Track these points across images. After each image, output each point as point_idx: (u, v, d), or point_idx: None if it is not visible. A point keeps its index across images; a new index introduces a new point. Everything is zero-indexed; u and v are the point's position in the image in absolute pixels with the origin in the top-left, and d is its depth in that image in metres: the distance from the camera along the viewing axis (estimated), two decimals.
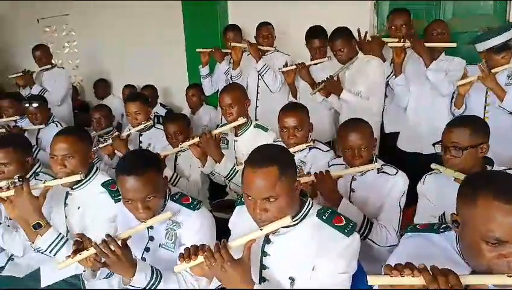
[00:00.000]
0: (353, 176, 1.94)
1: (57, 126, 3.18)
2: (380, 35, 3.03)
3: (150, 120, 2.77)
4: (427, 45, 2.56)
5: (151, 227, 1.63)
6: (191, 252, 1.29)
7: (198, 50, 3.51)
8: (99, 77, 4.90)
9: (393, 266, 1.00)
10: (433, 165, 1.79)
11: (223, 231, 1.65)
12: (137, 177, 1.46)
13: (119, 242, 1.43)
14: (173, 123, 2.57)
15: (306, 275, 1.27)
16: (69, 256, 1.44)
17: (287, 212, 1.25)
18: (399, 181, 1.83)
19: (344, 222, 1.29)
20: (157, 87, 4.23)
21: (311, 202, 1.37)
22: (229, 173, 2.31)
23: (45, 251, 1.74)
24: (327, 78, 2.73)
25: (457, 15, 3.24)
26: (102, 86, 4.74)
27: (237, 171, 2.29)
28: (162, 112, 4.13)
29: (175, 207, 1.61)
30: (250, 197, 1.25)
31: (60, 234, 1.74)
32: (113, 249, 1.38)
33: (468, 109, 2.50)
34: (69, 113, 4.15)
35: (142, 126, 2.74)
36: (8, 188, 1.77)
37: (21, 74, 3.89)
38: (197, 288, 1.55)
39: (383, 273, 1.02)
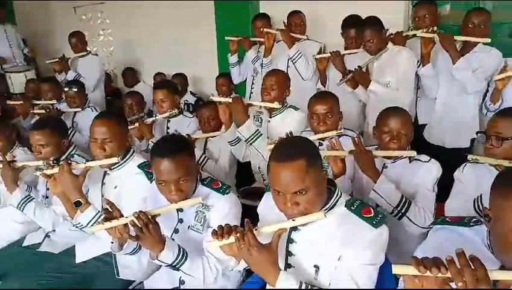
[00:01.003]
0: (384, 164, 1.93)
1: (92, 111, 3.29)
2: (402, 31, 2.95)
3: (176, 108, 2.81)
4: (457, 38, 2.46)
5: (181, 210, 1.68)
6: (224, 231, 1.31)
7: (227, 38, 3.54)
8: (131, 65, 5.02)
9: (420, 258, 0.99)
10: (470, 156, 1.76)
11: (249, 217, 1.67)
12: (172, 160, 1.50)
13: (149, 218, 1.47)
14: (207, 109, 2.64)
15: (331, 264, 1.27)
16: (103, 221, 1.50)
17: (317, 203, 1.27)
18: (432, 167, 1.83)
19: (373, 213, 1.28)
20: (187, 75, 4.28)
21: (340, 192, 1.36)
22: (251, 135, 2.33)
23: (85, 226, 1.84)
24: (355, 68, 2.69)
25: (498, 6, 3.10)
26: (131, 75, 4.85)
27: (260, 134, 2.33)
28: (191, 100, 4.19)
29: (205, 191, 1.65)
30: (279, 192, 1.25)
31: (99, 212, 1.83)
32: (144, 222, 1.43)
33: (504, 103, 2.41)
34: (102, 99, 4.28)
35: (167, 114, 2.80)
36: (53, 167, 1.86)
37: (58, 59, 4.04)
38: (220, 271, 1.59)
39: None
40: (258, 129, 2.34)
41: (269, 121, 2.55)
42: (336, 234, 1.28)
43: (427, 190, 1.82)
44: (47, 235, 2.18)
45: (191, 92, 4.34)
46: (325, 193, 1.31)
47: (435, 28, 2.61)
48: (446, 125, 2.71)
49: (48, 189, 2.17)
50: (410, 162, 1.88)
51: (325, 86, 3.17)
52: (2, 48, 5.09)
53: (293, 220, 1.26)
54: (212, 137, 2.68)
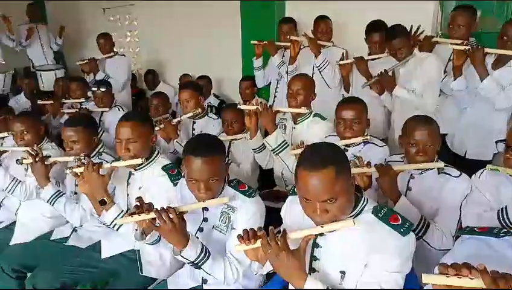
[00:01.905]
0: (411, 174, 1.90)
1: (119, 110, 3.35)
2: (431, 36, 2.90)
3: (200, 109, 2.84)
4: (488, 50, 2.35)
5: (207, 209, 1.70)
6: (250, 236, 1.33)
7: (252, 42, 3.55)
8: (157, 66, 5.11)
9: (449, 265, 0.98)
10: (489, 166, 1.72)
11: (269, 219, 1.70)
12: (204, 160, 1.52)
13: (176, 213, 1.49)
14: (231, 111, 2.66)
15: (357, 270, 1.27)
16: (130, 215, 1.53)
17: (346, 210, 1.27)
18: (462, 184, 1.77)
19: (400, 221, 1.27)
20: (211, 78, 4.32)
21: (366, 198, 1.36)
22: (278, 146, 2.33)
23: (109, 224, 1.89)
24: (381, 72, 2.68)
25: None
26: (152, 77, 4.90)
27: (287, 145, 2.32)
28: (215, 102, 4.24)
29: (232, 192, 1.67)
30: (308, 200, 1.25)
31: (123, 211, 1.87)
32: (170, 216, 1.46)
33: None
34: (128, 99, 4.36)
35: (190, 114, 2.83)
36: (82, 163, 1.92)
37: (87, 60, 4.15)
38: (241, 273, 1.62)
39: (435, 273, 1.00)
40: (285, 140, 2.34)
41: (294, 127, 2.54)
42: (363, 240, 1.27)
43: (452, 208, 1.77)
44: (74, 230, 2.25)
45: (214, 94, 4.38)
46: (353, 200, 1.30)
47: (472, 39, 2.52)
48: (470, 135, 2.63)
49: (76, 185, 2.23)
50: (438, 173, 1.82)
51: (348, 92, 3.17)
52: (33, 46, 5.27)
53: (321, 226, 1.27)
54: (235, 140, 2.70)
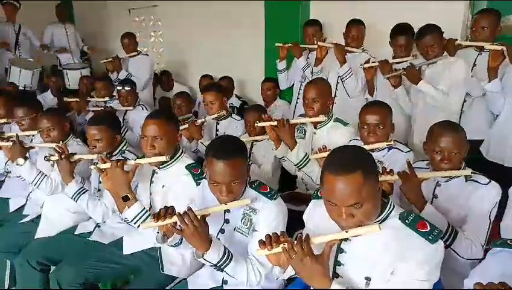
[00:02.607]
0: (437, 181, 1.85)
1: (142, 109, 3.41)
2: (455, 39, 2.83)
3: (224, 110, 2.86)
4: None
5: (228, 210, 1.70)
6: (272, 240, 1.32)
7: (277, 44, 3.53)
8: (179, 66, 5.15)
9: (484, 284, 0.94)
10: None
11: (290, 222, 1.69)
12: (227, 163, 1.52)
13: (199, 217, 1.50)
14: (254, 112, 2.66)
15: (383, 277, 1.25)
16: (153, 219, 1.56)
17: (372, 216, 1.25)
18: (491, 191, 1.71)
19: (429, 228, 1.24)
20: (233, 78, 4.32)
21: (393, 204, 1.33)
22: (300, 162, 2.31)
23: (130, 221, 1.90)
24: (408, 66, 2.61)
25: None
26: (166, 78, 4.86)
27: (309, 160, 2.29)
28: (237, 103, 4.24)
29: (253, 194, 1.66)
30: (333, 204, 1.23)
31: (144, 208, 1.88)
32: (192, 220, 1.46)
33: None
34: (150, 98, 4.44)
35: (215, 115, 2.86)
36: (107, 159, 1.95)
37: (111, 59, 4.23)
38: (263, 275, 1.60)
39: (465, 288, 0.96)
40: (306, 154, 2.31)
41: (314, 133, 2.50)
42: (389, 247, 1.25)
43: (481, 217, 1.70)
44: (97, 226, 2.28)
45: (236, 95, 4.39)
46: (379, 205, 1.28)
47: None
48: (508, 142, 2.53)
49: (100, 182, 2.27)
50: (466, 181, 1.77)
51: (372, 96, 3.11)
52: (61, 44, 5.40)
53: (346, 231, 1.25)
54: (257, 141, 2.69)
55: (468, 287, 0.96)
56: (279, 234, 1.35)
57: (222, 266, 1.54)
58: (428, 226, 1.25)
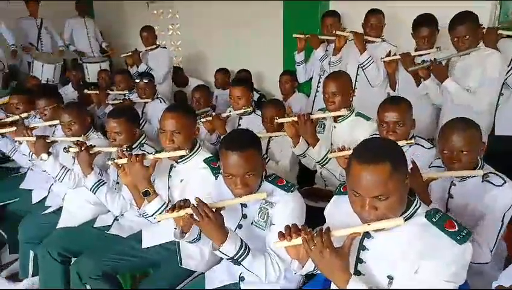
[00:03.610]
0: (452, 181, 1.78)
1: (160, 102, 3.43)
2: (497, 28, 2.69)
3: (250, 106, 2.84)
4: None
5: (245, 205, 1.69)
6: (292, 230, 1.30)
7: (294, 35, 3.47)
8: (197, 59, 5.14)
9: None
10: None
11: (309, 219, 1.66)
12: (240, 154, 1.51)
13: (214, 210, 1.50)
14: (272, 107, 2.61)
15: (407, 276, 1.21)
16: (168, 211, 1.56)
17: (396, 211, 1.20)
18: (506, 193, 1.63)
19: (457, 228, 1.19)
20: (251, 71, 4.28)
21: (419, 202, 1.29)
22: (322, 159, 2.27)
23: (150, 216, 1.91)
24: (434, 59, 2.48)
25: None
26: (180, 74, 4.85)
27: (330, 158, 2.23)
28: (254, 96, 4.19)
29: (270, 188, 1.64)
30: (357, 194, 1.20)
31: (165, 203, 1.89)
32: (207, 211, 1.45)
33: None
34: (169, 91, 4.44)
35: (242, 110, 2.84)
36: (124, 155, 1.95)
37: (130, 53, 4.26)
38: (283, 271, 1.58)
39: None
40: (329, 150, 2.26)
41: (334, 127, 2.44)
42: (414, 245, 1.20)
43: (493, 219, 1.63)
44: (116, 219, 2.30)
45: (254, 88, 4.34)
46: (405, 201, 1.24)
47: None
48: None
49: (118, 175, 2.27)
50: (482, 181, 1.69)
51: (394, 90, 3.03)
52: (81, 39, 5.47)
53: (368, 224, 1.21)
54: (275, 137, 2.65)
55: None
56: (299, 226, 1.32)
57: (239, 259, 1.52)
58: (457, 226, 1.20)
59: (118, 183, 2.35)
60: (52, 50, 5.30)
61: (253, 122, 2.89)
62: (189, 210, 1.51)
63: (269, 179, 1.68)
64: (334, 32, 3.20)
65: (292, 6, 4.06)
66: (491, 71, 2.39)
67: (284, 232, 1.33)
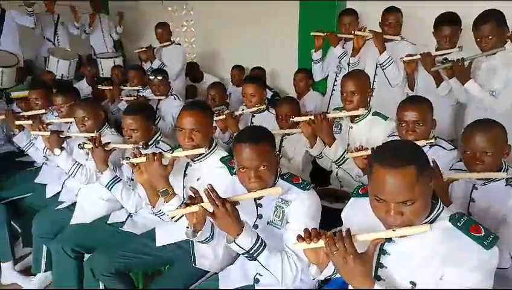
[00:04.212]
0: (474, 185, 1.73)
1: (175, 99, 3.41)
2: None
3: (263, 104, 2.81)
4: None
5: (260, 205, 1.66)
6: (312, 235, 1.26)
7: (312, 33, 3.42)
8: (211, 56, 5.11)
9: None
10: None
11: (323, 220, 1.63)
12: (253, 146, 1.51)
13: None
14: (286, 105, 2.58)
15: (430, 282, 1.17)
16: (181, 206, 1.53)
17: (422, 215, 1.16)
18: None
19: (483, 233, 1.15)
20: (265, 69, 4.24)
21: (442, 205, 1.24)
22: (338, 159, 2.23)
23: (166, 215, 1.88)
24: (457, 59, 2.40)
25: None
26: (195, 69, 4.82)
27: (347, 158, 2.19)
28: (268, 94, 4.15)
29: (285, 185, 1.62)
30: (381, 200, 1.16)
31: (183, 202, 1.84)
32: (223, 202, 1.42)
33: None
34: (183, 88, 4.43)
35: (255, 108, 2.81)
36: (140, 154, 1.91)
37: (145, 49, 4.25)
38: (300, 271, 1.53)
39: None
40: (345, 150, 2.22)
41: (351, 127, 2.40)
42: (438, 250, 1.16)
43: None
44: (130, 216, 2.29)
45: (267, 86, 4.30)
46: (429, 205, 1.19)
47: None
48: None
49: (133, 172, 2.26)
50: (506, 185, 1.63)
51: (413, 90, 2.97)
52: (95, 34, 5.49)
53: (393, 230, 1.17)
54: (288, 135, 2.61)
55: None
56: (316, 227, 1.29)
57: (255, 254, 1.47)
58: (483, 231, 1.15)
59: (132, 180, 2.33)
60: (69, 45, 5.33)
61: (266, 120, 2.85)
62: (204, 204, 1.48)
63: (284, 177, 1.66)
64: (352, 32, 3.14)
65: (309, 5, 4.00)
66: None
67: (303, 235, 1.29)
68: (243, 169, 1.54)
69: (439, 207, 1.23)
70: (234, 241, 1.46)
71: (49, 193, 2.73)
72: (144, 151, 1.98)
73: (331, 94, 3.52)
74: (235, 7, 4.82)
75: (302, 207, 1.57)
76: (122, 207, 2.34)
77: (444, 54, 2.69)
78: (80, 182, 2.42)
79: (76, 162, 2.40)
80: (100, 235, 2.23)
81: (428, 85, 2.77)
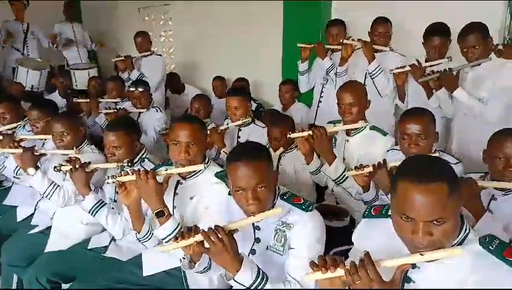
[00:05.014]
0: (493, 195, 1.70)
1: (156, 111, 3.29)
2: None
3: (249, 116, 2.71)
4: None
5: (258, 228, 1.55)
6: (329, 263, 1.15)
7: (299, 44, 3.36)
8: (191, 66, 4.99)
9: None
10: None
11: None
12: (249, 164, 1.40)
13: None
14: (282, 127, 2.41)
15: None
16: (175, 239, 1.40)
17: (451, 238, 1.08)
18: None
19: None
20: (248, 80, 4.16)
21: (468, 226, 1.16)
22: (339, 177, 2.13)
23: (163, 239, 1.71)
24: (444, 69, 2.43)
25: None
26: (175, 80, 4.69)
27: (347, 176, 2.10)
28: (252, 106, 4.06)
29: (285, 206, 1.52)
30: (408, 219, 1.07)
31: (179, 224, 1.71)
32: (220, 237, 1.31)
33: None
34: (162, 99, 4.29)
35: (240, 122, 2.71)
36: (127, 173, 1.76)
37: (123, 58, 4.08)
38: None
39: None
40: (345, 169, 2.14)
41: (347, 140, 2.32)
42: (470, 277, 1.07)
43: None
44: (113, 239, 2.12)
45: (251, 97, 4.21)
46: (459, 227, 1.11)
47: None
48: None
49: (117, 193, 2.09)
50: None
51: (403, 102, 2.96)
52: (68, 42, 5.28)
53: (421, 254, 1.07)
54: (285, 153, 2.47)
55: None
56: (336, 258, 1.18)
57: (257, 289, 1.37)
58: None
59: (115, 201, 2.16)
60: (39, 55, 5.09)
61: (254, 133, 2.75)
62: (199, 237, 1.36)
63: (284, 197, 1.55)
64: (340, 41, 3.10)
65: (292, 13, 3.95)
66: (506, 80, 2.32)
67: (317, 263, 1.18)
68: (239, 190, 1.43)
69: (466, 228, 1.15)
70: (233, 279, 1.36)
71: (21, 215, 2.51)
72: (129, 170, 1.82)
73: (318, 106, 3.46)
74: (215, 15, 4.73)
75: (305, 230, 1.48)
76: (104, 229, 2.16)
77: (433, 65, 2.69)
78: (57, 204, 2.23)
79: (52, 182, 2.21)
80: (80, 262, 2.04)
81: (419, 96, 2.76)
